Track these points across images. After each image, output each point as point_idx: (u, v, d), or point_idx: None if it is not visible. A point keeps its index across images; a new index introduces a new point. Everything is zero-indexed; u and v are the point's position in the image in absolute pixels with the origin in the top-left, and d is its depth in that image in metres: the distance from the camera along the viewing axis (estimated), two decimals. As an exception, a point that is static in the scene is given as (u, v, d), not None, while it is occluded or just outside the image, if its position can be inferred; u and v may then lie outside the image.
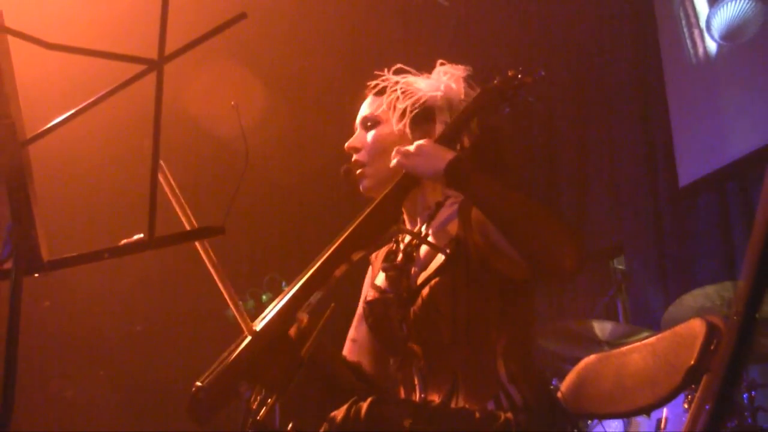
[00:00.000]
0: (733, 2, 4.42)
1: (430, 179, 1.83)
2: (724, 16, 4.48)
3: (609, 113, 5.23)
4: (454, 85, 1.96)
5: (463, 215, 1.83)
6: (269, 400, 1.69)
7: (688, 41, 4.72)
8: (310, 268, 1.80)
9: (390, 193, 1.88)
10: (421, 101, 1.94)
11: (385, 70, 2.01)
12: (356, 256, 1.83)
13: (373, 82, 2.02)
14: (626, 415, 2.93)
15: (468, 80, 1.98)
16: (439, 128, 1.93)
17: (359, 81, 2.12)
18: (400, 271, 1.90)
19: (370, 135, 2.00)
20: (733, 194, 4.42)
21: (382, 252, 2.08)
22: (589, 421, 3.47)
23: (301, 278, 1.79)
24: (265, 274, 4.12)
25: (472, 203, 1.78)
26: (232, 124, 1.65)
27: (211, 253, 1.64)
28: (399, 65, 2.01)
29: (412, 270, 1.89)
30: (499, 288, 1.78)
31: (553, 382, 3.39)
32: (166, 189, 1.60)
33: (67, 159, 4.17)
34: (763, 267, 0.65)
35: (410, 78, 1.99)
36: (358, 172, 2.00)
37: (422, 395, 1.81)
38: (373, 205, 1.87)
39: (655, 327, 3.76)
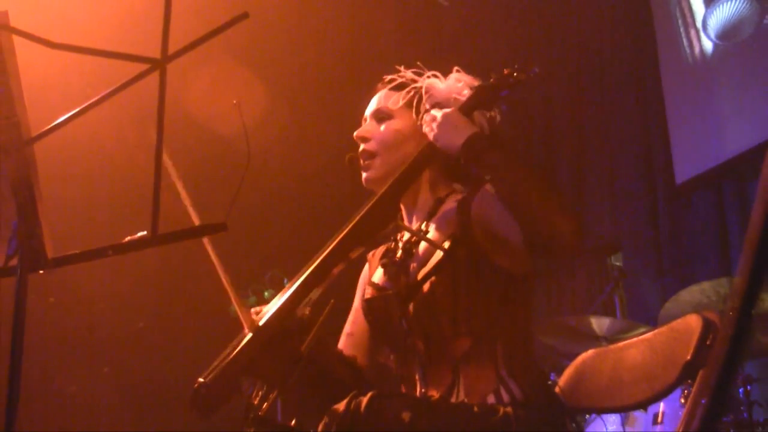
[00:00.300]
0: (729, 2, 4.43)
1: (448, 151, 1.84)
2: (720, 16, 4.49)
3: (606, 112, 5.24)
4: (466, 92, 1.97)
5: (462, 212, 1.84)
6: (270, 396, 1.71)
7: (685, 41, 4.73)
8: (310, 265, 1.81)
9: (389, 190, 1.89)
10: (439, 102, 1.95)
11: (402, 67, 2.01)
12: (355, 253, 1.84)
13: (390, 77, 2.03)
14: (623, 410, 2.94)
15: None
16: None
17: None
18: (399, 267, 1.91)
19: (383, 127, 2.01)
20: (729, 191, 4.43)
21: (380, 250, 2.09)
22: (587, 416, 3.49)
23: (301, 275, 1.81)
24: (267, 271, 4.13)
25: (486, 177, 1.79)
26: (234, 123, 1.67)
27: (211, 251, 1.65)
28: (418, 64, 2.01)
29: (411, 266, 1.90)
30: (498, 283, 1.79)
31: (552, 377, 3.40)
32: (177, 184, 1.62)
33: (71, 157, 4.17)
34: (759, 263, 0.67)
35: (433, 80, 1.99)
36: (365, 162, 2.01)
37: (423, 390, 1.82)
38: (371, 202, 1.88)
39: (652, 323, 3.77)
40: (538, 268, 1.90)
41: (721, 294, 3.47)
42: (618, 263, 5.08)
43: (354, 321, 2.07)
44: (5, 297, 1.50)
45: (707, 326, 1.70)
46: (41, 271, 1.42)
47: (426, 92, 1.97)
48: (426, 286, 1.81)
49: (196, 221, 1.64)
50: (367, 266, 2.13)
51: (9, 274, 1.40)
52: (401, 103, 2.00)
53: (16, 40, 1.35)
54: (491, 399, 1.71)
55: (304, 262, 1.84)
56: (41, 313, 4.60)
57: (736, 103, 4.41)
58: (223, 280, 1.68)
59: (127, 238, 1.41)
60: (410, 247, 1.93)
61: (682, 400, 3.26)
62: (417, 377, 1.85)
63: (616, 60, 5.25)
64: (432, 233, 1.89)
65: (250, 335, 1.70)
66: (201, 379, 1.65)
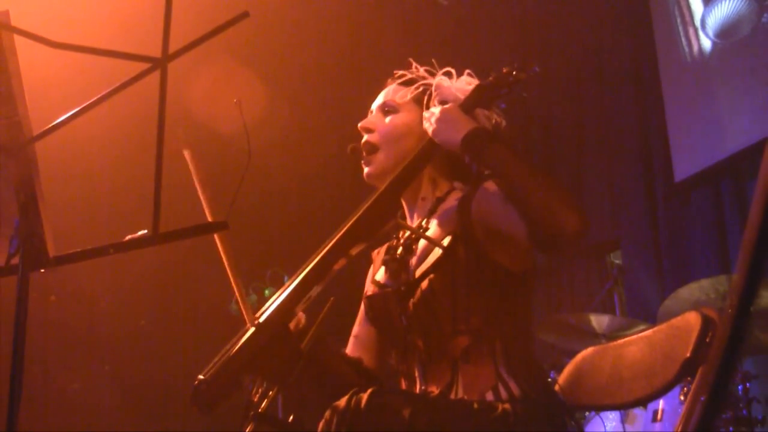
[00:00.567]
0: (728, 1, 4.44)
1: (448, 147, 1.85)
2: (718, 15, 4.50)
3: (605, 110, 5.25)
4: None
5: (462, 209, 1.84)
6: (270, 392, 1.71)
7: (683, 39, 4.74)
8: (310, 262, 1.82)
9: (389, 187, 1.90)
10: (446, 102, 1.96)
11: (413, 64, 2.02)
12: (356, 250, 1.84)
13: (400, 72, 2.04)
14: (623, 407, 2.95)
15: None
16: None
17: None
18: (399, 265, 1.92)
19: (387, 120, 2.02)
20: (727, 189, 4.44)
21: (383, 248, 2.10)
22: (587, 413, 3.49)
23: (301, 272, 1.81)
24: (267, 269, 4.13)
25: (487, 170, 1.80)
26: (234, 121, 1.67)
27: (225, 245, 1.65)
28: (433, 61, 2.01)
29: (411, 263, 1.91)
30: (497, 281, 1.80)
31: (551, 375, 3.41)
32: (194, 177, 1.62)
33: (72, 156, 4.18)
34: (757, 261, 0.67)
35: (443, 79, 2.00)
36: (367, 155, 2.01)
37: (423, 387, 1.83)
38: (372, 199, 1.89)
39: (652, 320, 3.78)
40: (537, 266, 1.91)
41: (720, 291, 3.48)
42: (617, 261, 5.09)
43: (360, 323, 2.08)
44: (7, 295, 1.51)
45: (706, 323, 1.71)
46: (43, 270, 1.43)
47: (435, 90, 1.97)
48: (425, 284, 1.81)
49: (210, 218, 1.64)
50: (372, 267, 2.14)
51: (10, 273, 1.41)
52: (408, 97, 2.01)
53: (18, 39, 1.35)
54: (490, 396, 1.72)
55: (305, 259, 1.84)
56: (43, 311, 4.61)
57: (735, 101, 4.42)
58: (230, 274, 1.69)
59: (128, 237, 1.41)
60: (411, 243, 1.94)
61: (682, 398, 3.27)
62: (417, 374, 1.86)
63: (615, 58, 5.26)
64: (432, 231, 1.90)
65: (250, 332, 1.71)
66: (201, 376, 1.66)
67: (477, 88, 1.95)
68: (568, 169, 5.44)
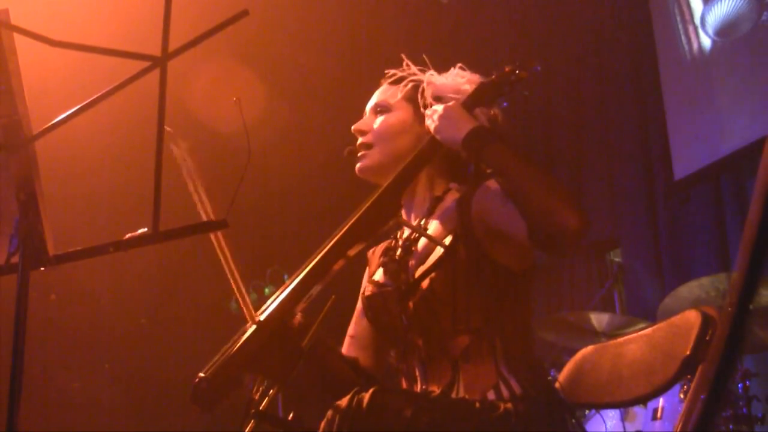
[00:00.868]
0: (728, -1, 4.44)
1: (449, 144, 1.85)
2: (718, 13, 4.50)
3: (605, 108, 5.25)
4: (468, 87, 1.98)
5: (462, 208, 1.84)
6: (271, 391, 1.71)
7: (683, 37, 4.74)
8: (311, 261, 1.82)
9: (390, 186, 1.90)
10: (440, 98, 1.96)
11: (404, 62, 2.02)
12: (356, 249, 1.84)
13: (391, 71, 2.04)
14: (623, 405, 2.95)
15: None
16: None
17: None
18: (398, 265, 1.92)
19: (379, 120, 2.02)
20: (727, 187, 4.44)
21: (380, 248, 2.10)
22: (587, 411, 3.50)
23: (302, 271, 1.81)
24: (267, 267, 4.14)
25: (488, 168, 1.79)
26: (234, 120, 1.67)
27: (224, 243, 1.66)
28: (424, 58, 2.02)
29: (411, 263, 1.91)
30: (497, 280, 1.80)
31: (552, 373, 3.41)
32: (188, 182, 1.62)
33: (72, 155, 4.19)
34: (756, 259, 0.67)
35: (433, 75, 2.00)
36: (359, 153, 2.02)
37: (423, 386, 1.83)
38: (372, 198, 1.89)
39: (651, 318, 3.78)
40: (537, 264, 1.91)
41: (719, 289, 3.48)
42: (617, 259, 5.09)
43: (356, 323, 2.08)
44: (7, 294, 1.51)
45: (706, 321, 1.71)
46: (42, 268, 1.43)
47: (427, 85, 1.98)
48: (425, 283, 1.81)
49: (211, 217, 1.64)
50: (368, 266, 2.14)
51: (11, 271, 1.41)
52: (399, 96, 2.01)
53: (17, 38, 1.35)
54: (491, 395, 1.72)
55: (305, 258, 1.84)
56: (43, 310, 4.61)
57: (735, 99, 4.42)
58: (228, 273, 1.69)
59: (129, 235, 1.41)
60: (410, 245, 1.94)
61: (682, 396, 3.27)
62: (417, 373, 1.86)
63: (614, 57, 5.25)
64: (432, 230, 1.90)
65: (251, 330, 1.71)
66: (201, 374, 1.66)
67: (479, 87, 1.95)
68: (568, 168, 5.44)
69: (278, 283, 3.74)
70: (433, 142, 1.90)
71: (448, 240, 1.82)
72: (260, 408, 1.68)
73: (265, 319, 1.72)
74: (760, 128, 4.18)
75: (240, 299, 1.71)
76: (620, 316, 4.19)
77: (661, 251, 4.73)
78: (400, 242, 1.98)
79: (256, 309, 1.79)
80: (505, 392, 1.72)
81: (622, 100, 5.16)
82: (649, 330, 1.87)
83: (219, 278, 1.71)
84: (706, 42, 4.62)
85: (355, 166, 2.03)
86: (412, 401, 1.65)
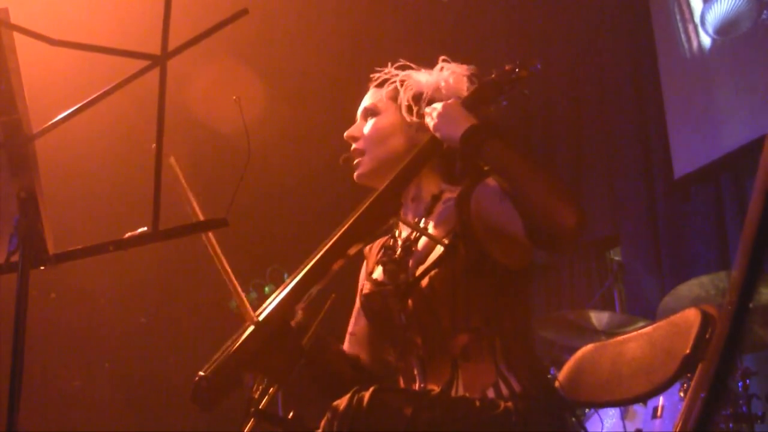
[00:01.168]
0: (727, -3, 4.44)
1: (447, 142, 1.85)
2: (718, 11, 4.50)
3: (605, 107, 5.25)
4: (452, 80, 1.99)
5: (460, 207, 1.84)
6: (271, 390, 1.71)
7: (683, 36, 4.74)
8: (311, 260, 1.82)
9: (389, 186, 1.90)
10: (421, 93, 1.97)
11: (388, 64, 2.03)
12: (356, 248, 1.85)
13: (375, 75, 2.04)
14: (623, 403, 2.95)
15: (471, 78, 2.01)
16: None
17: (359, 76, 2.14)
18: (398, 265, 1.92)
19: (369, 124, 2.02)
20: (726, 186, 4.44)
21: (377, 245, 2.10)
22: (587, 410, 3.50)
23: (302, 270, 1.81)
24: (267, 266, 4.13)
25: (486, 165, 1.80)
26: (234, 119, 1.67)
27: (215, 244, 1.66)
28: (402, 61, 2.03)
29: (410, 263, 1.91)
30: (496, 278, 1.80)
31: (551, 372, 3.41)
32: (181, 181, 1.63)
33: (72, 154, 4.18)
34: (756, 257, 0.67)
35: (411, 72, 2.01)
36: (355, 161, 2.02)
37: (422, 385, 1.83)
38: (372, 198, 1.89)
39: (651, 317, 3.78)
40: (537, 263, 1.91)
41: (719, 288, 3.48)
42: (617, 257, 5.09)
43: (356, 320, 2.08)
44: (7, 293, 1.51)
45: (706, 320, 1.71)
46: (42, 267, 1.43)
47: (402, 84, 1.98)
48: (425, 282, 1.81)
49: (201, 217, 1.64)
50: (365, 263, 2.14)
51: (10, 270, 1.41)
52: (384, 98, 2.01)
53: (17, 37, 1.35)
54: (491, 393, 1.72)
55: (305, 257, 1.84)
56: (43, 309, 4.61)
57: (734, 97, 4.42)
58: (224, 274, 1.69)
59: (128, 234, 1.41)
60: (410, 245, 1.94)
61: (681, 394, 3.27)
62: (416, 372, 1.86)
63: (614, 55, 5.25)
64: (431, 229, 1.90)
65: (251, 329, 1.71)
66: (202, 373, 1.66)
67: (479, 86, 1.96)
68: (568, 166, 5.44)
69: (278, 282, 3.73)
70: (433, 141, 1.90)
71: (447, 239, 1.82)
72: (260, 407, 1.69)
73: (265, 318, 1.73)
74: (759, 126, 4.18)
75: (237, 299, 1.71)
76: (620, 314, 4.19)
77: (660, 250, 4.73)
78: (400, 242, 1.98)
79: (257, 308, 1.80)
80: (504, 390, 1.72)
81: (622, 99, 5.16)
82: (648, 328, 1.87)
83: (219, 277, 1.71)
84: (706, 40, 4.62)
85: (350, 172, 2.04)
86: (412, 400, 1.65)
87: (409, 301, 1.84)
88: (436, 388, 1.76)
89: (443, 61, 2.03)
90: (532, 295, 1.93)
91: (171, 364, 4.95)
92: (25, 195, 1.40)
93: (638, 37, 5.13)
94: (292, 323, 1.80)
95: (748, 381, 3.33)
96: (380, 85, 2.05)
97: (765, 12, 4.28)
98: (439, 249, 1.82)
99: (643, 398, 1.90)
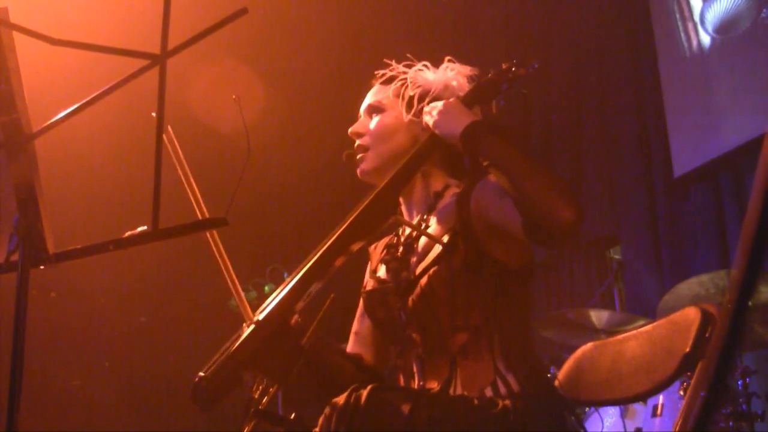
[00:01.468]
0: (727, -4, 4.44)
1: (447, 138, 1.85)
2: (717, 10, 4.50)
3: (604, 105, 5.25)
4: (460, 80, 1.99)
5: (461, 205, 1.85)
6: (271, 389, 1.71)
7: (682, 34, 4.74)
8: (310, 259, 1.82)
9: (389, 184, 1.90)
10: (428, 91, 1.97)
11: (393, 61, 2.03)
12: (355, 247, 1.85)
13: (381, 72, 2.04)
14: (623, 402, 2.95)
15: (474, 79, 2.01)
16: None
17: (359, 75, 2.14)
18: (400, 263, 1.92)
19: (374, 121, 2.02)
20: (726, 184, 4.44)
21: (381, 243, 2.10)
22: (587, 409, 3.50)
23: (301, 269, 1.81)
24: (267, 265, 4.14)
25: (485, 163, 1.79)
26: (234, 118, 1.67)
27: (219, 243, 1.66)
28: (408, 57, 2.03)
29: (412, 261, 1.91)
30: (496, 277, 1.80)
31: (551, 370, 3.41)
32: (180, 172, 1.63)
33: (72, 153, 4.19)
34: (755, 256, 0.67)
35: (418, 70, 2.01)
36: (358, 156, 2.02)
37: (421, 383, 1.83)
38: (371, 196, 1.89)
39: (651, 315, 3.79)
40: (536, 262, 1.91)
41: (719, 286, 3.49)
42: (617, 256, 5.10)
43: (360, 320, 2.08)
44: (7, 292, 1.51)
45: (706, 318, 1.71)
46: (42, 266, 1.43)
47: (412, 82, 1.98)
48: (424, 280, 1.82)
49: (205, 215, 1.64)
50: (369, 261, 2.14)
51: (10, 270, 1.41)
52: (390, 95, 2.02)
53: (17, 36, 1.35)
54: (489, 392, 1.72)
55: (305, 256, 1.84)
56: (43, 308, 4.61)
57: (734, 96, 4.42)
58: (225, 273, 1.69)
59: (128, 233, 1.41)
60: (411, 242, 1.94)
61: (681, 392, 3.27)
62: (415, 369, 1.86)
63: (614, 53, 5.25)
64: (432, 227, 1.90)
65: (250, 329, 1.71)
66: (201, 373, 1.66)
67: (477, 85, 1.96)
68: (568, 165, 5.44)
69: (278, 281, 3.74)
70: (432, 139, 1.91)
71: (446, 237, 1.82)
72: (260, 407, 1.69)
73: (265, 318, 1.73)
74: (759, 125, 4.18)
75: (237, 299, 1.71)
76: (620, 313, 4.20)
77: (660, 248, 4.73)
78: (402, 240, 1.98)
79: (257, 307, 1.80)
80: (502, 389, 1.72)
81: (622, 98, 5.16)
82: (648, 327, 1.88)
83: (219, 277, 1.71)
84: (706, 39, 4.62)
85: (354, 168, 2.04)
86: (411, 398, 1.65)
87: (410, 299, 1.84)
88: (434, 387, 1.77)
89: (449, 61, 2.03)
90: (531, 294, 1.93)
91: (171, 364, 4.95)
92: (24, 194, 1.40)
93: (638, 36, 5.13)
94: (292, 322, 1.80)
95: (747, 379, 3.33)
96: (386, 82, 2.04)
97: (764, 11, 4.28)
98: (438, 247, 1.82)
99: (643, 397, 1.91)
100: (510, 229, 1.71)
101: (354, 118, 2.09)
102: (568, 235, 1.64)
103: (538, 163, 1.71)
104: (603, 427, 3.49)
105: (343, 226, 1.84)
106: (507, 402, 1.68)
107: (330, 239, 1.83)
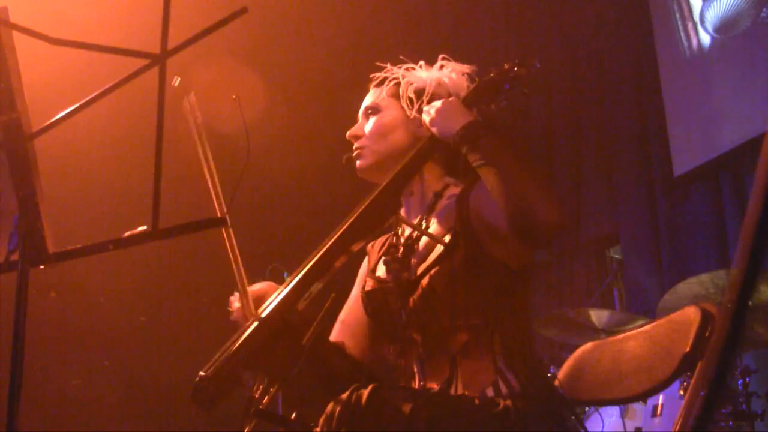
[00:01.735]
0: (727, -5, 4.44)
1: (444, 137, 1.86)
2: (717, 9, 4.50)
3: (604, 104, 5.25)
4: (454, 76, 1.99)
5: (460, 206, 1.85)
6: (271, 389, 1.71)
7: (682, 34, 4.74)
8: (311, 259, 1.82)
9: (389, 184, 1.90)
10: (423, 88, 1.97)
11: (388, 64, 2.03)
12: (356, 247, 1.85)
13: (375, 74, 2.05)
14: (623, 402, 2.95)
15: (471, 77, 2.01)
16: None
17: (359, 75, 2.15)
18: (400, 264, 1.92)
19: (371, 122, 2.03)
20: (726, 184, 4.44)
21: (379, 241, 2.10)
22: (587, 408, 3.50)
23: (302, 269, 1.82)
24: (267, 265, 4.13)
25: (475, 163, 1.80)
26: (234, 118, 1.67)
27: (233, 237, 1.66)
28: (402, 59, 2.03)
29: (412, 262, 1.91)
30: (496, 276, 1.80)
31: (551, 370, 3.41)
32: (205, 169, 1.63)
33: (72, 153, 4.18)
34: (755, 255, 0.67)
35: (411, 69, 2.02)
36: (355, 154, 2.02)
37: (421, 383, 1.83)
38: (372, 196, 1.89)
39: (651, 315, 3.79)
40: (536, 262, 1.91)
41: (719, 286, 3.48)
42: (616, 256, 5.10)
43: (350, 309, 2.07)
44: (6, 292, 1.51)
45: (705, 318, 1.71)
46: (42, 266, 1.43)
47: (406, 81, 1.99)
48: (425, 280, 1.82)
49: (224, 211, 1.63)
50: (366, 258, 2.14)
51: (10, 269, 1.41)
52: (385, 96, 2.02)
53: (17, 36, 1.35)
54: (490, 392, 1.72)
55: (305, 256, 1.84)
56: (43, 307, 4.61)
57: (734, 95, 4.42)
58: (236, 270, 1.69)
59: (128, 233, 1.41)
60: (411, 243, 1.94)
61: (681, 392, 3.27)
62: (415, 369, 1.86)
63: (613, 53, 5.25)
64: (433, 227, 1.90)
65: (251, 328, 1.71)
66: (202, 373, 1.66)
67: (478, 85, 1.96)
68: (567, 164, 5.44)
69: (278, 281, 3.73)
70: (432, 139, 1.91)
71: (447, 237, 1.82)
72: (260, 406, 1.69)
73: (266, 317, 1.73)
74: (759, 124, 4.18)
75: (243, 296, 1.71)
76: (620, 312, 4.20)
77: (660, 248, 4.73)
78: (402, 240, 1.98)
79: (256, 307, 1.80)
80: (503, 389, 1.72)
81: (622, 97, 5.16)
82: (648, 327, 1.87)
83: (219, 276, 1.71)
84: (705, 39, 4.62)
85: (353, 171, 2.04)
86: (412, 398, 1.65)
87: (410, 300, 1.84)
88: (435, 387, 1.77)
89: (443, 59, 2.03)
90: (532, 293, 1.93)
91: (171, 364, 4.94)
92: (24, 194, 1.40)
93: (637, 36, 5.13)
94: (293, 322, 1.80)
95: (747, 379, 3.33)
96: (381, 83, 2.05)
97: (764, 10, 4.28)
98: (439, 247, 1.82)
99: (643, 396, 1.90)
100: (499, 229, 1.72)
101: (354, 117, 2.09)
102: (550, 237, 1.66)
103: (530, 165, 1.73)
104: (603, 427, 3.49)
105: (344, 226, 1.85)
106: (508, 402, 1.68)
107: (331, 239, 1.84)
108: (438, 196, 1.96)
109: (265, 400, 1.69)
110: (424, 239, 1.91)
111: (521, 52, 5.48)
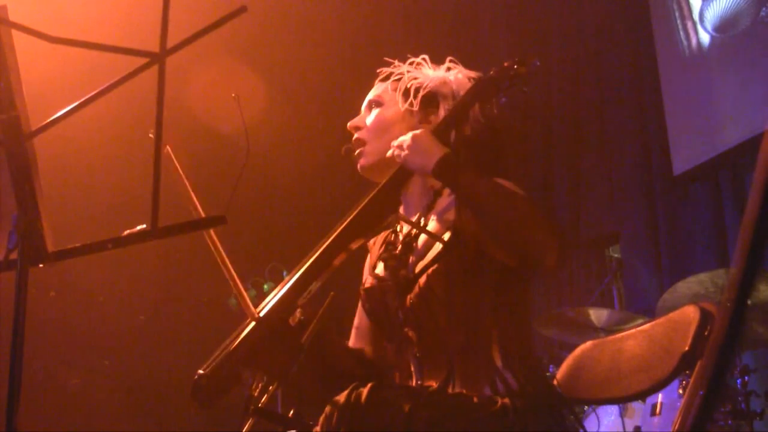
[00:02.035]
0: (726, -6, 4.44)
1: (420, 174, 1.87)
2: (717, 8, 4.50)
3: (604, 104, 5.25)
4: (459, 77, 1.99)
5: (459, 204, 1.85)
6: (270, 387, 1.71)
7: (682, 33, 4.74)
8: (310, 257, 1.82)
9: (389, 182, 1.90)
10: (426, 86, 1.97)
11: (396, 61, 2.04)
12: (355, 245, 1.85)
13: (382, 69, 2.05)
14: (622, 401, 2.95)
15: (473, 80, 2.01)
16: (442, 114, 1.96)
17: (359, 73, 2.15)
18: (398, 261, 1.92)
19: (372, 114, 2.03)
20: (726, 183, 4.45)
21: (380, 238, 2.10)
22: (585, 408, 3.50)
23: (301, 267, 1.82)
24: (266, 264, 4.13)
25: (459, 200, 1.82)
26: (233, 117, 1.67)
27: (216, 240, 1.66)
28: (410, 57, 2.03)
29: (411, 260, 1.91)
30: (494, 275, 1.80)
31: (551, 369, 3.42)
32: (180, 175, 1.63)
33: (71, 151, 4.18)
34: (754, 254, 0.67)
35: (418, 67, 2.02)
36: (357, 151, 2.03)
37: (418, 381, 1.83)
38: (372, 194, 1.89)
39: (650, 314, 3.79)
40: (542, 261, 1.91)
41: (718, 285, 3.49)
42: (616, 255, 5.10)
43: (360, 314, 2.08)
44: (6, 291, 1.51)
45: (705, 317, 1.71)
46: (42, 265, 1.43)
47: (409, 75, 1.99)
48: (423, 279, 1.82)
49: (198, 206, 1.64)
50: (368, 256, 2.14)
51: (10, 268, 1.41)
52: (389, 89, 2.02)
53: (16, 34, 1.35)
54: (487, 391, 1.72)
55: (304, 254, 1.84)
56: (42, 307, 4.61)
57: (733, 94, 4.42)
58: (225, 270, 1.69)
59: (127, 232, 1.41)
60: (410, 241, 1.94)
61: (680, 391, 3.28)
62: (412, 368, 1.86)
63: (613, 53, 5.25)
64: (432, 225, 1.90)
65: (250, 326, 1.71)
66: (201, 371, 1.66)
67: (478, 83, 1.95)
68: (567, 163, 5.44)
69: (277, 280, 3.74)
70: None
71: (446, 236, 1.82)
72: (260, 405, 1.68)
73: (265, 316, 1.73)
74: (758, 123, 4.18)
75: (239, 296, 1.71)
76: (619, 311, 4.20)
77: (660, 247, 4.74)
78: (401, 237, 1.98)
79: (255, 305, 1.80)
80: (501, 387, 1.72)
81: (621, 96, 5.16)
82: (647, 326, 1.87)
83: (218, 275, 1.71)
84: (705, 38, 4.62)
85: (352, 163, 2.04)
86: (411, 396, 1.65)
87: (408, 298, 1.84)
88: (432, 385, 1.77)
89: (450, 62, 2.03)
90: (531, 292, 1.93)
91: (170, 362, 4.94)
92: (24, 192, 1.40)
93: (637, 35, 5.13)
94: (292, 320, 1.80)
95: (746, 378, 3.33)
96: (386, 78, 2.05)
97: (764, 9, 4.28)
98: (438, 246, 1.82)
99: (642, 395, 1.90)
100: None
101: (354, 116, 2.10)
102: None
103: (510, 195, 1.74)
104: (600, 426, 3.49)
105: (344, 224, 1.85)
106: (506, 400, 1.67)
107: (330, 237, 1.84)
108: (437, 194, 1.96)
109: (264, 399, 1.69)
110: (423, 237, 1.91)
111: (521, 52, 5.47)
